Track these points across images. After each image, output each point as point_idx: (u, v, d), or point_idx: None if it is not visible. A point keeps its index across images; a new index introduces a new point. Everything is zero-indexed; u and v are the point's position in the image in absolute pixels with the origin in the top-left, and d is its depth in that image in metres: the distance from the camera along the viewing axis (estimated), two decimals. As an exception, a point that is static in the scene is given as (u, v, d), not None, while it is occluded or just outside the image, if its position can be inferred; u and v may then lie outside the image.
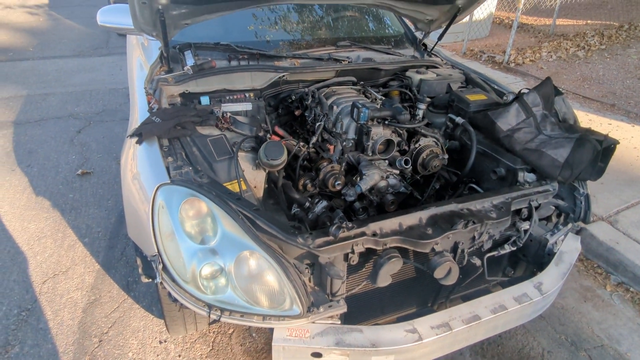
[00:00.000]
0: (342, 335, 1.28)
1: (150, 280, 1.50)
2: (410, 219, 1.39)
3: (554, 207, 1.78)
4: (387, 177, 1.70)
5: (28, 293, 2.19)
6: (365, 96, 2.06)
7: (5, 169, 3.22)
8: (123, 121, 4.00)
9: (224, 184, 1.37)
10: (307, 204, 1.58)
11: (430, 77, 2.18)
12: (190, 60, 1.89)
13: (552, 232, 1.71)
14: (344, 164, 1.71)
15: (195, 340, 1.99)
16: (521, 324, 1.78)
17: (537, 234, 1.72)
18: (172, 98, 1.80)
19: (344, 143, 1.73)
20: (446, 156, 1.83)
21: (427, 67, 2.31)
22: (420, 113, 1.92)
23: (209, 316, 1.24)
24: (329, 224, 1.32)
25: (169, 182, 1.28)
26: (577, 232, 1.76)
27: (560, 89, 1.87)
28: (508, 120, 1.75)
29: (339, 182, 1.65)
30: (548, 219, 1.82)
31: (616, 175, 3.11)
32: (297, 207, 1.58)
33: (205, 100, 1.78)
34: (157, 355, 1.92)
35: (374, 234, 1.31)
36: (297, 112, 2.06)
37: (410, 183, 1.84)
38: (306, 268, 1.33)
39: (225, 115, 1.68)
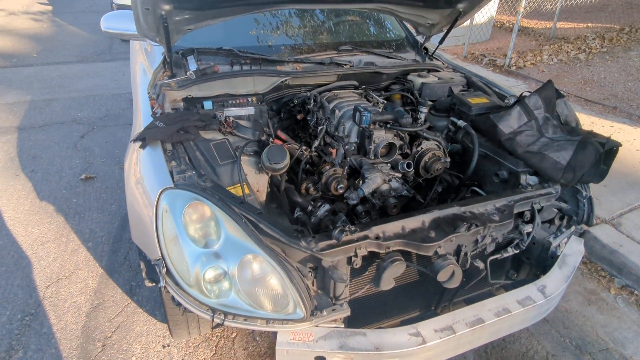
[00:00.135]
0: (346, 339, 1.28)
1: (153, 284, 1.50)
2: (413, 222, 1.39)
3: (556, 210, 1.78)
4: (390, 180, 1.71)
5: (32, 297, 2.19)
6: (367, 100, 2.07)
7: (9, 174, 3.24)
8: (126, 126, 4.03)
9: (227, 188, 1.38)
10: (310, 208, 1.58)
11: (432, 80, 2.18)
12: (193, 65, 1.91)
13: (555, 235, 1.71)
14: (346, 167, 1.72)
15: (198, 345, 1.99)
16: (525, 328, 1.77)
17: (540, 236, 1.71)
18: (175, 103, 1.81)
19: (346, 147, 1.73)
20: (448, 159, 1.84)
21: (429, 70, 2.32)
22: (422, 116, 1.92)
23: (213, 320, 1.24)
24: (332, 228, 1.32)
25: (173, 186, 1.29)
26: (581, 235, 1.76)
27: (562, 92, 1.87)
28: (510, 123, 1.76)
29: (341, 185, 1.66)
30: (551, 221, 1.82)
31: (619, 177, 3.10)
32: (299, 210, 1.59)
33: (208, 104, 1.79)
34: (160, 360, 1.92)
35: (377, 237, 1.31)
36: (299, 116, 2.07)
37: (412, 186, 1.85)
38: (309, 272, 1.33)
39: (228, 119, 1.69)
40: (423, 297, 1.71)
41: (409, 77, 2.24)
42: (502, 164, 1.76)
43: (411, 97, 2.14)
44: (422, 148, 1.82)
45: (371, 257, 1.39)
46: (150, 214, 1.29)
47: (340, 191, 1.66)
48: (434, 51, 2.57)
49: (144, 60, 2.29)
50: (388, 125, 1.75)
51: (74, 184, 3.14)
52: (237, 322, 1.25)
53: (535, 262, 1.76)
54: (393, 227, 1.36)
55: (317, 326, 1.30)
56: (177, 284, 1.25)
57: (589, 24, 7.33)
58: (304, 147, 1.79)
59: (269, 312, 1.26)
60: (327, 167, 1.71)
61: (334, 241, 1.26)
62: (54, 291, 2.23)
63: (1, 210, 2.82)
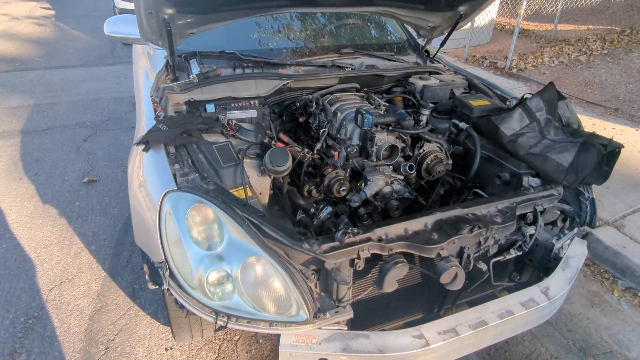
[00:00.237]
0: (349, 341, 1.28)
1: (157, 287, 1.51)
2: (415, 224, 1.39)
3: (559, 212, 1.78)
4: (392, 182, 1.71)
5: (35, 301, 2.20)
6: (369, 102, 2.07)
7: (12, 178, 3.25)
8: (128, 129, 4.04)
9: (230, 191, 1.38)
10: (312, 210, 1.58)
11: (433, 83, 2.19)
12: (195, 68, 1.92)
13: (558, 237, 1.70)
14: (348, 170, 1.72)
15: (201, 348, 1.99)
16: (528, 330, 1.77)
17: (542, 238, 1.71)
18: (178, 106, 1.82)
19: (349, 149, 1.73)
20: (450, 161, 1.84)
21: (430, 73, 2.32)
22: (423, 119, 1.93)
23: (216, 322, 1.24)
24: (334, 230, 1.32)
25: (176, 188, 1.29)
26: (583, 237, 1.75)
27: (563, 94, 1.87)
28: (512, 125, 1.76)
29: (343, 188, 1.66)
30: (553, 223, 1.81)
31: (621, 179, 3.10)
32: (302, 213, 1.59)
33: (210, 107, 1.80)
34: (163, 363, 1.92)
35: (380, 240, 1.31)
36: (301, 119, 2.08)
37: (414, 188, 1.85)
38: (312, 274, 1.33)
39: (230, 122, 1.70)
40: (426, 299, 1.71)
41: (411, 79, 2.25)
42: (504, 165, 1.76)
43: (413, 99, 2.15)
44: (424, 150, 1.82)
45: (374, 260, 1.39)
46: (153, 216, 1.30)
47: (343, 193, 1.67)
48: (435, 54, 2.58)
49: (147, 64, 2.30)
50: (390, 128, 1.75)
51: (77, 187, 3.15)
52: (240, 325, 1.25)
53: (538, 264, 1.76)
54: (395, 229, 1.36)
55: (320, 328, 1.30)
56: (180, 286, 1.25)
57: (590, 26, 7.34)
58: (306, 150, 1.79)
59: (272, 314, 1.26)
60: (330, 170, 1.71)
61: (336, 243, 1.26)
62: (57, 294, 2.24)
63: (4, 214, 2.84)
